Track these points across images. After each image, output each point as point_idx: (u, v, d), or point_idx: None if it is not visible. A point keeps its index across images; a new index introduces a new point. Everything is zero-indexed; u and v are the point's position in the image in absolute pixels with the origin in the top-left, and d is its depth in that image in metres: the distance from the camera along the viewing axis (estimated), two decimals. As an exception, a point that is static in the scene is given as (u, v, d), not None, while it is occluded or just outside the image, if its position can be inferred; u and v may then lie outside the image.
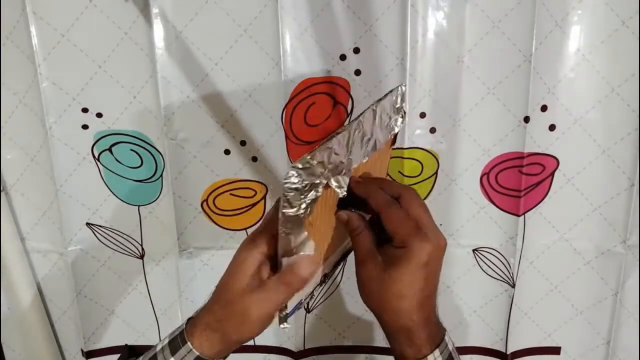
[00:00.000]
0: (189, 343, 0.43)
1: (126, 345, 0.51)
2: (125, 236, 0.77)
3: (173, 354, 0.43)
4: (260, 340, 0.81)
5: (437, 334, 0.43)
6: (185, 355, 0.43)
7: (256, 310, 0.42)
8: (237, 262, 0.43)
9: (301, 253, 0.41)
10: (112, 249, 0.78)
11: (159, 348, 0.45)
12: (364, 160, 0.45)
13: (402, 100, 0.49)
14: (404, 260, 0.40)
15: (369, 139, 0.45)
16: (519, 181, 0.69)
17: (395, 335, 0.42)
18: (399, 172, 0.70)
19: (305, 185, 0.37)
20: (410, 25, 0.63)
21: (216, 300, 0.44)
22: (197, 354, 0.43)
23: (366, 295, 0.43)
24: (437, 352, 0.42)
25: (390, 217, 0.41)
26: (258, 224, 0.46)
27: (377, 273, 0.41)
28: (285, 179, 0.36)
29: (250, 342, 0.81)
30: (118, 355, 0.83)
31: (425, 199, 0.71)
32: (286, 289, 0.42)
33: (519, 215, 0.71)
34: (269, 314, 0.43)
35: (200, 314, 0.45)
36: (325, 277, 0.50)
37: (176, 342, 0.44)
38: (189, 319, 0.46)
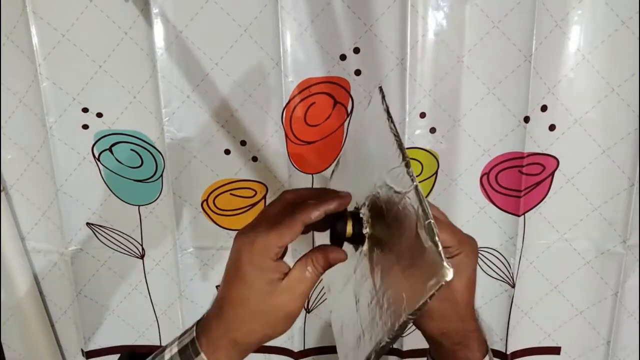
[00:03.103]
0: (202, 354, 0.39)
1: (122, 353, 0.46)
2: (125, 236, 0.77)
3: None
4: (260, 340, 0.81)
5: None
6: None
7: (287, 306, 0.39)
8: (250, 259, 0.39)
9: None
10: (112, 249, 0.78)
11: (167, 357, 0.41)
12: None
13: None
14: (466, 265, 0.41)
15: None
16: (519, 181, 0.69)
17: (467, 342, 0.43)
18: (399, 172, 0.70)
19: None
20: (410, 25, 0.63)
21: (225, 308, 0.40)
22: None
23: (437, 319, 0.42)
24: (489, 350, 0.44)
25: (441, 230, 0.38)
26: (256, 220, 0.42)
27: (444, 293, 0.40)
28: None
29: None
30: (118, 356, 0.83)
31: (425, 199, 0.71)
32: (314, 271, 0.39)
33: (519, 215, 0.71)
34: (299, 307, 0.40)
35: (211, 323, 0.41)
36: None
37: (188, 352, 0.40)
38: (198, 322, 0.42)
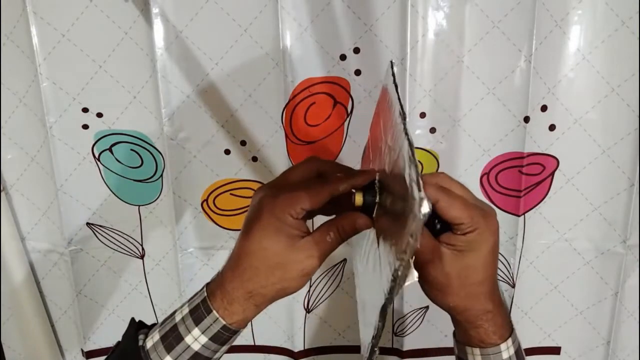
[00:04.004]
0: (214, 312, 0.40)
1: (132, 318, 0.46)
2: (125, 236, 0.77)
3: (197, 323, 0.40)
4: (260, 340, 0.81)
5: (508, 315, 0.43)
6: (211, 325, 0.40)
7: (302, 263, 0.39)
8: (272, 210, 0.39)
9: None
10: (112, 249, 0.78)
11: (178, 318, 0.41)
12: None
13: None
14: (480, 243, 0.39)
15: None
16: (519, 181, 0.69)
17: (479, 323, 0.41)
18: (399, 172, 0.70)
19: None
20: (410, 25, 0.63)
21: (242, 259, 0.40)
22: (224, 323, 0.40)
23: (444, 292, 0.41)
24: (514, 334, 0.43)
25: (452, 205, 0.38)
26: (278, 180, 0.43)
27: (453, 267, 0.40)
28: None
29: (250, 342, 0.81)
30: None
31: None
32: (336, 236, 0.40)
33: (519, 215, 0.71)
34: (315, 267, 0.40)
35: (226, 275, 0.41)
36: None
37: (199, 310, 0.40)
38: (208, 284, 0.42)
